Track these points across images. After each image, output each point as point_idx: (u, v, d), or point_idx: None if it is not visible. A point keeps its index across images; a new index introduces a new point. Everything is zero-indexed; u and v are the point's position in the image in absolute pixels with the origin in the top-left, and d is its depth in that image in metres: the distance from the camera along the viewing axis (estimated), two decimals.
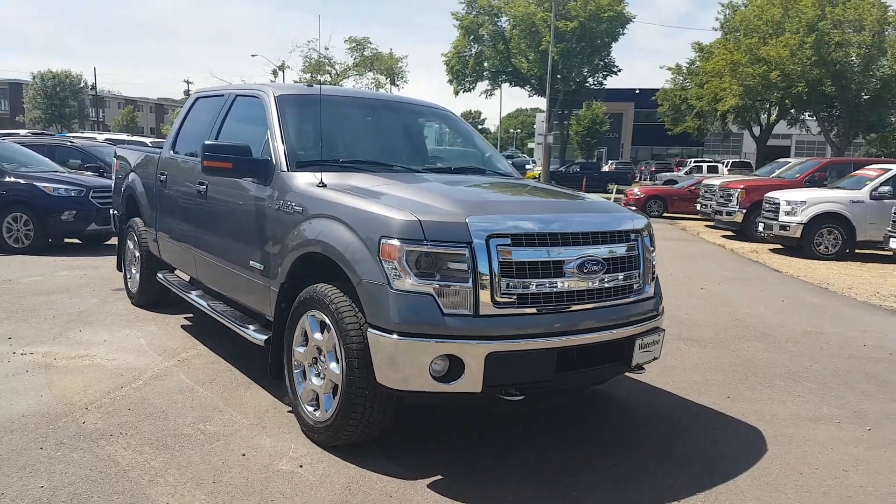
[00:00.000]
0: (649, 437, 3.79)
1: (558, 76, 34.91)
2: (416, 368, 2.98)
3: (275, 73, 41.78)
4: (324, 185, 3.57)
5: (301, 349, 3.54)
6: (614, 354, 3.42)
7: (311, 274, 3.49)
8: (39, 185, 8.99)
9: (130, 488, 2.92)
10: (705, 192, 17.52)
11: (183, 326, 5.56)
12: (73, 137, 18.04)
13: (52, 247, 9.18)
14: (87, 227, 9.20)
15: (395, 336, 2.98)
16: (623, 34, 35.56)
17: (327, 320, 3.28)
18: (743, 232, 14.81)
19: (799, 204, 12.09)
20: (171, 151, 5.34)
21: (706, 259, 11.56)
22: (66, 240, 9.56)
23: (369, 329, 3.07)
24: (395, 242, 3.01)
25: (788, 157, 31.95)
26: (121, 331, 5.35)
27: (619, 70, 37.98)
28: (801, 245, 12.05)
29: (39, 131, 18.78)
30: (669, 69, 38.33)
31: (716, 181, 17.54)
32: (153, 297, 5.95)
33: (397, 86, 43.85)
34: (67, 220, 8.98)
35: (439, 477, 3.17)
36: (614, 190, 27.54)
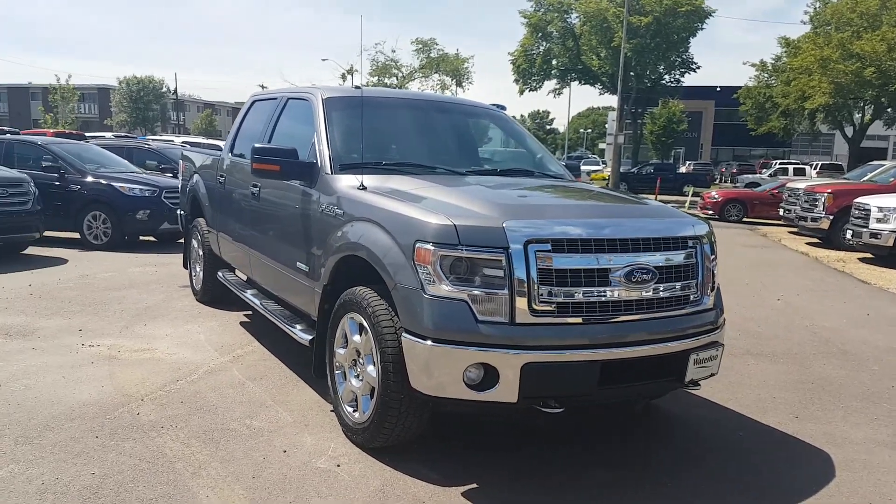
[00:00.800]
0: (703, 458, 3.58)
1: (631, 73, 33.88)
2: (450, 375, 2.93)
3: (343, 76, 42.58)
4: (364, 188, 3.57)
5: (342, 350, 3.56)
6: (666, 369, 3.25)
7: (352, 276, 3.49)
8: (116, 185, 9.49)
9: (174, 479, 3.00)
10: (789, 196, 16.58)
11: (241, 323, 5.71)
12: (152, 140, 18.97)
13: (128, 244, 9.68)
14: (160, 225, 9.65)
15: (428, 342, 2.94)
16: (702, 29, 34.05)
17: (365, 323, 3.28)
18: (829, 239, 13.92)
19: (892, 210, 11.23)
20: (230, 154, 5.49)
21: (786, 268, 10.95)
22: (142, 238, 10.05)
23: (404, 334, 3.04)
24: (430, 247, 2.96)
25: (885, 159, 29.86)
26: (183, 326, 5.56)
27: (698, 67, 36.44)
28: (893, 255, 11.21)
29: (124, 134, 19.97)
30: (753, 65, 36.61)
31: (800, 184, 16.56)
32: (215, 294, 6.15)
33: (463, 87, 43.80)
34: (142, 219, 9.45)
35: (474, 486, 3.10)
36: (690, 192, 26.52)
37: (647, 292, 3.15)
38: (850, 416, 4.21)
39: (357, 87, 4.59)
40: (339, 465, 3.21)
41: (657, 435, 3.90)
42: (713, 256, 3.49)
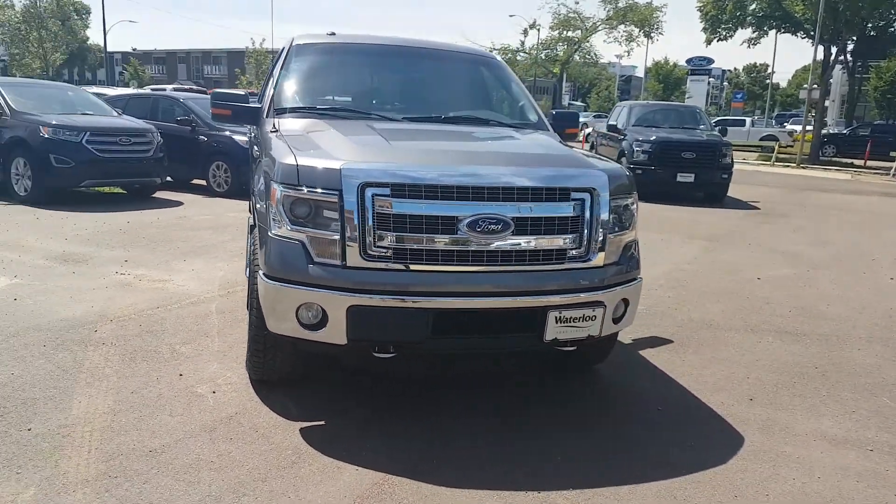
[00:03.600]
0: (592, 424, 3.29)
1: (842, 21, 29.26)
2: (286, 314, 3.00)
3: (525, 32, 42.06)
4: (276, 132, 3.68)
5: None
6: (520, 325, 3.03)
7: None
8: (235, 137, 10.46)
9: (66, 386, 3.40)
10: None
11: None
12: None
13: (245, 192, 10.63)
14: None
15: (270, 281, 3.02)
16: None
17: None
18: None
19: None
20: None
21: None
22: None
23: (258, 273, 3.15)
24: (276, 186, 3.02)
25: None
26: (216, 264, 6.12)
27: None
28: None
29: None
30: None
31: None
32: None
33: (651, 38, 41.07)
34: None
35: (320, 423, 3.16)
36: None
37: (497, 243, 2.92)
38: (820, 407, 3.54)
39: (331, 34, 4.66)
40: (214, 392, 3.44)
41: (559, 395, 3.61)
42: (604, 211, 3.09)
